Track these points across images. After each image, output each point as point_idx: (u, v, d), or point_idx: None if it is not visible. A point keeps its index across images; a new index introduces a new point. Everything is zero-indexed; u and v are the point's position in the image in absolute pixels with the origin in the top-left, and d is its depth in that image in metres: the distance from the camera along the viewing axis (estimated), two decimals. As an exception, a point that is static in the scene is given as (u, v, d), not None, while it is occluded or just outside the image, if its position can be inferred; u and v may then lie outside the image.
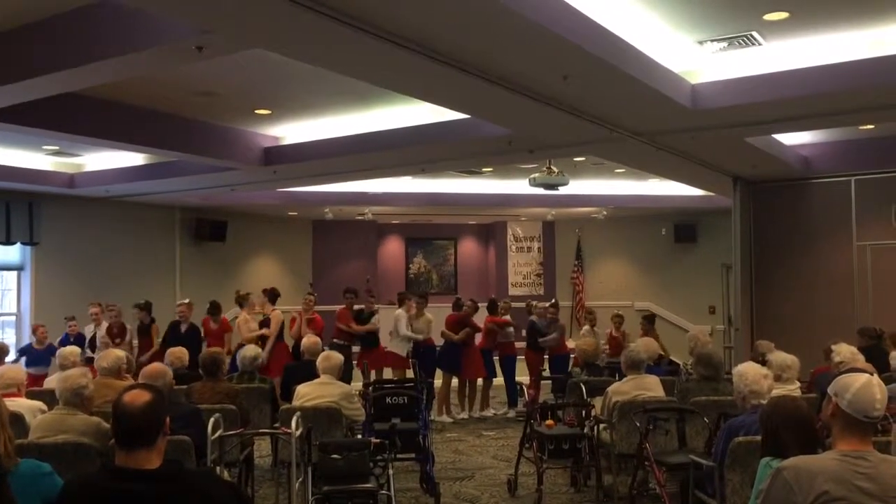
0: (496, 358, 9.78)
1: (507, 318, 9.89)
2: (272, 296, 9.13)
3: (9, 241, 10.17)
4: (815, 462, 2.31)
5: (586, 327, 9.97)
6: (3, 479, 2.34)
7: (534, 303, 10.29)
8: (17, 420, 4.08)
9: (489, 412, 9.65)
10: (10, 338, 10.18)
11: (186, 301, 9.18)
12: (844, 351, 5.56)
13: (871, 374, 2.47)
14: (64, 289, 10.60)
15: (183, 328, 8.87)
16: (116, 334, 9.01)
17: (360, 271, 14.25)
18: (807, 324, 8.60)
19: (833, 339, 6.04)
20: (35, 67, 5.08)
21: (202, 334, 8.94)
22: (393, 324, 9.32)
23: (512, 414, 9.56)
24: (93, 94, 6.61)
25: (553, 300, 10.69)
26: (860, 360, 5.48)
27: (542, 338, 9.60)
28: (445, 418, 9.26)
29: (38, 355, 8.80)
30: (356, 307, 9.71)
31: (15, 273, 10.67)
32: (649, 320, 9.79)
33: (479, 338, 9.67)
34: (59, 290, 10.57)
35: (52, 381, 5.82)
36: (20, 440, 3.35)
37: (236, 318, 9.39)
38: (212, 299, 9.34)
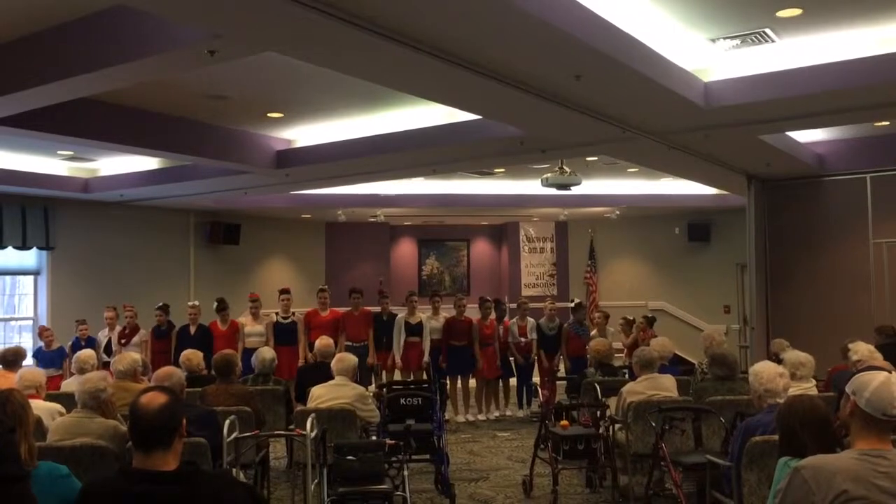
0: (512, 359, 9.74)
1: (521, 339, 9.80)
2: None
3: (25, 246, 10.27)
4: (834, 461, 2.29)
5: (593, 332, 9.96)
6: (25, 480, 2.37)
7: (547, 302, 10.27)
8: (36, 423, 4.11)
9: (505, 412, 9.62)
10: (27, 342, 10.26)
11: (195, 303, 9.21)
12: (862, 349, 5.53)
13: (890, 372, 2.45)
14: (80, 293, 10.69)
15: (192, 330, 8.90)
16: (128, 335, 9.06)
17: (373, 273, 14.29)
18: (823, 322, 8.54)
19: (850, 337, 6.00)
20: (49, 73, 5.12)
21: (212, 336, 8.91)
22: (398, 328, 9.31)
23: (521, 413, 9.56)
24: (107, 99, 6.67)
25: (577, 301, 10.59)
26: (878, 358, 5.45)
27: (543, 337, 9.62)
28: (458, 418, 9.25)
29: (47, 357, 8.84)
30: (372, 310, 9.67)
31: (31, 277, 10.76)
32: (648, 321, 9.80)
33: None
34: (75, 295, 10.65)
35: (71, 384, 5.86)
36: (38, 443, 3.38)
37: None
38: (218, 297, 9.25)
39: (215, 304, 9.03)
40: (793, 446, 2.82)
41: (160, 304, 9.25)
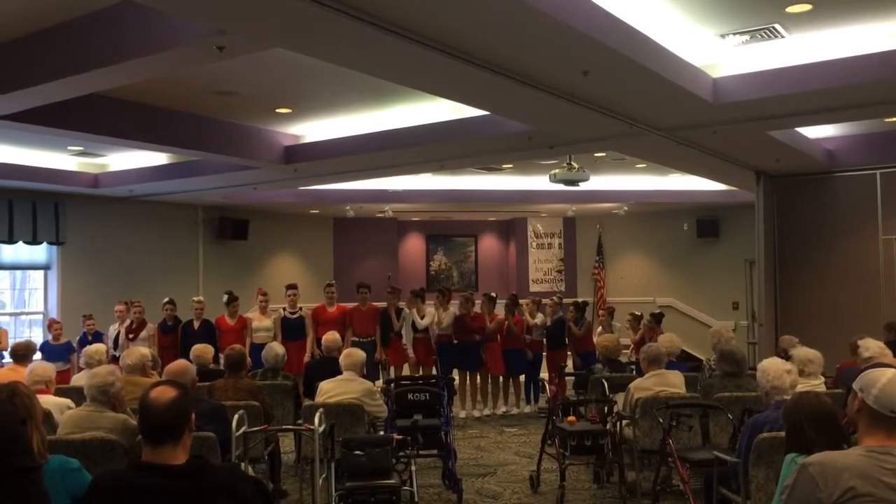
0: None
1: (536, 321, 9.81)
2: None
3: (35, 241, 10.33)
4: (841, 458, 2.28)
5: (599, 329, 9.95)
6: (37, 471, 2.39)
7: (553, 298, 10.28)
8: (46, 417, 4.14)
9: (511, 410, 9.62)
10: (37, 336, 10.32)
11: (200, 299, 9.24)
12: (873, 346, 5.51)
13: (898, 369, 2.43)
14: (89, 288, 10.75)
15: (196, 325, 8.94)
16: (135, 330, 9.10)
17: (382, 268, 14.30)
18: (832, 319, 8.50)
19: (859, 334, 5.98)
20: (58, 69, 5.14)
21: (216, 331, 8.93)
22: (408, 322, 9.36)
23: (528, 409, 9.58)
24: (116, 95, 6.69)
25: (582, 301, 10.58)
26: (888, 355, 5.43)
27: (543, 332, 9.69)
28: (461, 413, 9.25)
29: (54, 351, 8.82)
30: (379, 306, 9.67)
31: (42, 272, 10.82)
32: (656, 318, 9.79)
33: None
34: (84, 289, 10.71)
35: (80, 379, 5.90)
36: (49, 436, 3.40)
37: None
38: (228, 290, 9.24)
39: (225, 297, 9.04)
40: (800, 443, 2.81)
41: (167, 298, 9.29)
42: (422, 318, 9.30)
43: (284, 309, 9.12)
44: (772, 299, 9.12)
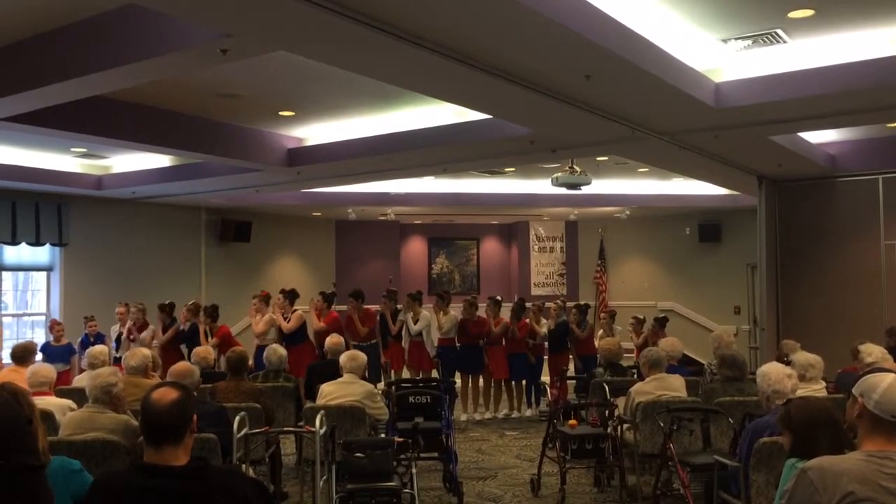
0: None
1: (543, 329, 9.79)
2: (291, 297, 9.13)
3: (38, 242, 10.35)
4: (841, 462, 2.29)
5: (600, 332, 9.95)
6: (40, 471, 2.40)
7: (557, 301, 10.27)
8: (48, 418, 4.15)
9: (511, 414, 9.60)
10: (39, 337, 10.33)
11: (191, 303, 9.21)
12: (876, 351, 5.51)
13: (898, 374, 2.43)
14: (92, 289, 10.77)
15: (185, 328, 8.95)
16: (137, 330, 9.09)
17: (383, 271, 14.32)
18: (833, 324, 8.50)
19: (860, 339, 5.98)
20: (62, 71, 5.16)
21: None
22: (406, 325, 9.38)
23: (529, 412, 9.58)
24: (120, 97, 6.71)
25: (584, 304, 10.57)
26: (890, 360, 5.44)
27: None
28: (462, 416, 9.24)
29: (55, 353, 8.78)
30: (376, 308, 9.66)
31: (44, 273, 10.85)
32: (660, 323, 9.79)
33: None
34: (87, 291, 10.73)
35: (82, 380, 5.91)
36: (50, 437, 3.41)
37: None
38: (213, 303, 9.09)
39: (209, 308, 8.93)
40: (805, 447, 2.80)
41: (164, 302, 9.26)
42: (415, 322, 9.31)
43: (283, 314, 9.03)
44: (773, 304, 9.12)
